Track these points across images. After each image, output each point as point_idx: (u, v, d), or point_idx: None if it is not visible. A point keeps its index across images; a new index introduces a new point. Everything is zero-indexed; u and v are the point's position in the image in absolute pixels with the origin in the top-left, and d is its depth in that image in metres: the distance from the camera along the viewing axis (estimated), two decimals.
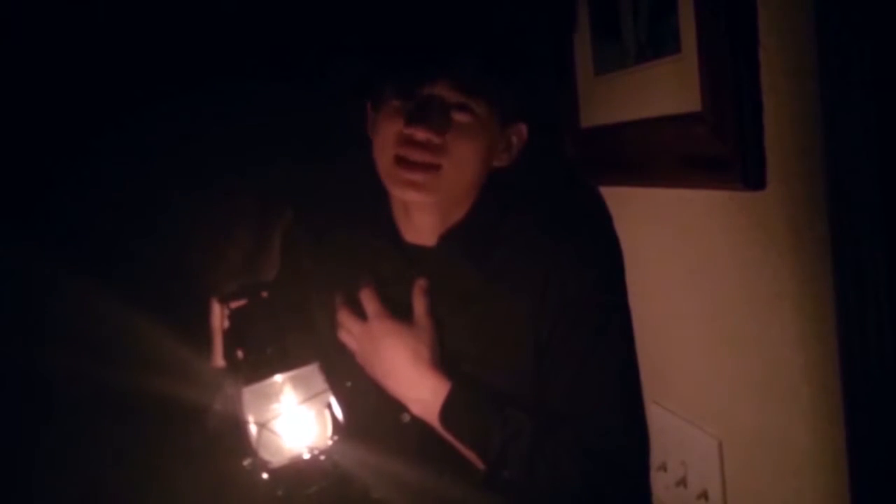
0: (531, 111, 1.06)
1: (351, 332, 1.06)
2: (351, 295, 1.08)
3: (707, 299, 1.06)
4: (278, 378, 1.00)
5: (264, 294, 1.07)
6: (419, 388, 1.01)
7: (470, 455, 1.00)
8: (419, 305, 1.03)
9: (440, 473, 1.03)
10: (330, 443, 1.01)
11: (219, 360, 1.10)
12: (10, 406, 1.14)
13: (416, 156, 0.96)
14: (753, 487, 1.02)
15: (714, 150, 0.93)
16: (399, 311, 1.06)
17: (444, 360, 1.02)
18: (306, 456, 0.99)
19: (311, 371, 1.02)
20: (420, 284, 1.03)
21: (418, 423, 1.04)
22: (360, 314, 1.07)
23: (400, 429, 1.06)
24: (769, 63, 0.88)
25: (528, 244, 1.02)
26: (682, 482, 1.14)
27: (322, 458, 1.00)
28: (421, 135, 0.95)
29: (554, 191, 1.13)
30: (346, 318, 1.07)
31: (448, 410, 0.99)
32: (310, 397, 1.01)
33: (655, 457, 1.12)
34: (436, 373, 1.00)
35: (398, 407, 1.05)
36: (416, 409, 1.02)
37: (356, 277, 1.09)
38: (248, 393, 1.00)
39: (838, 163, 0.76)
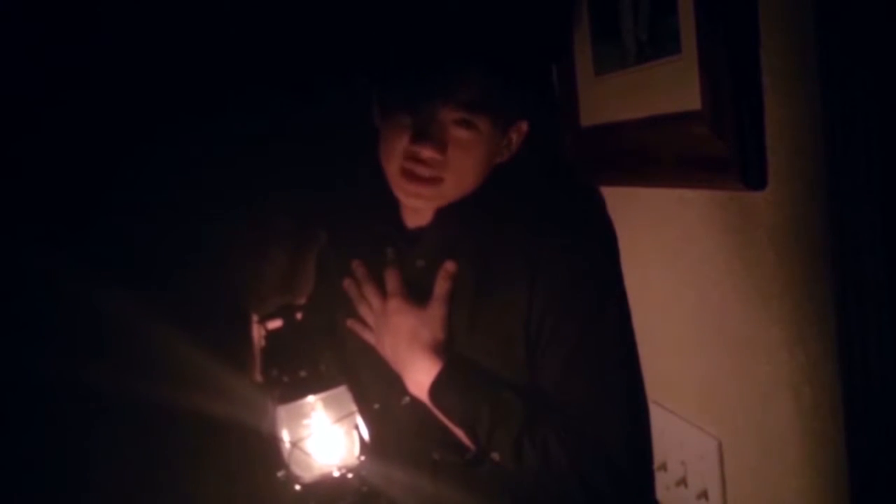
0: (532, 109, 1.08)
1: (371, 306, 1.09)
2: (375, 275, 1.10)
3: (707, 299, 1.06)
4: (311, 398, 1.06)
5: (299, 316, 1.15)
6: (412, 368, 1.03)
7: (462, 437, 1.01)
8: (438, 288, 1.04)
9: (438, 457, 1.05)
10: (357, 462, 1.07)
11: (258, 376, 1.16)
12: (54, 417, 1.19)
13: (421, 170, 1.00)
14: (753, 487, 1.02)
15: (714, 150, 0.93)
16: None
17: (444, 345, 1.04)
18: (336, 473, 1.05)
19: (341, 392, 1.08)
20: (447, 268, 1.04)
21: (415, 410, 1.05)
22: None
23: (401, 410, 1.08)
24: (769, 63, 0.88)
25: (519, 233, 1.03)
26: (683, 482, 1.14)
27: (350, 475, 1.06)
28: (426, 153, 0.99)
29: (547, 182, 1.14)
30: (369, 292, 1.09)
31: (437, 389, 1.01)
32: (340, 418, 1.07)
33: (655, 457, 1.12)
34: (429, 355, 1.02)
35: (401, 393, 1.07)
36: (412, 388, 1.04)
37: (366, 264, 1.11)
38: (283, 411, 1.06)
39: (838, 163, 0.76)
